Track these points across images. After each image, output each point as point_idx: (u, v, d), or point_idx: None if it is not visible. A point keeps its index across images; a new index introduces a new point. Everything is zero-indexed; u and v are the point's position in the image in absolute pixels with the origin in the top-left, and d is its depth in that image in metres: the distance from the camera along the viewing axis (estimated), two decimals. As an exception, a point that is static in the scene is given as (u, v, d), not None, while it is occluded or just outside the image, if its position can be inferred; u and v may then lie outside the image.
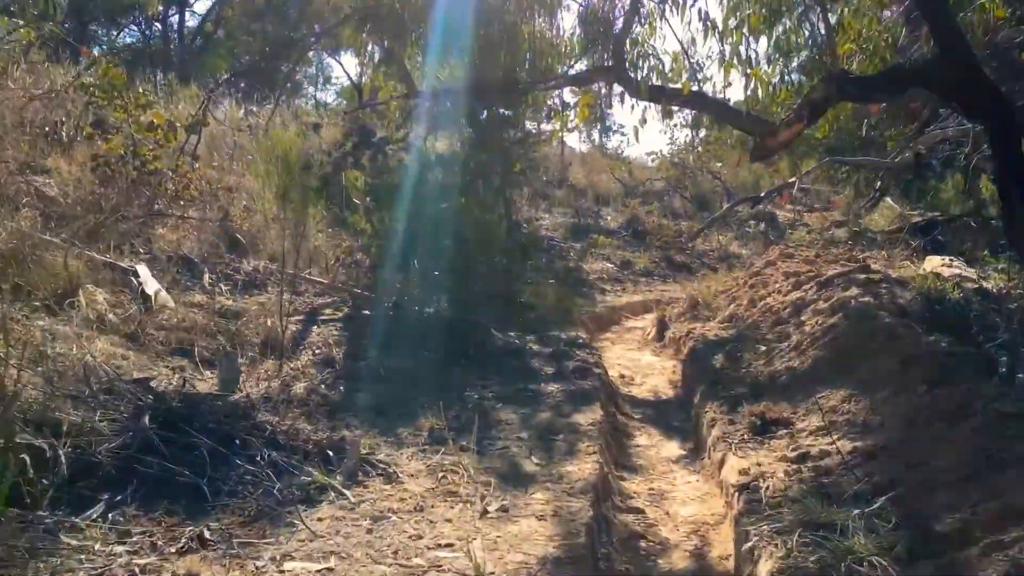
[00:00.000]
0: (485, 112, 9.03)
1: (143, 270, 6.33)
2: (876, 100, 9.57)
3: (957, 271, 7.57)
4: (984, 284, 7.10)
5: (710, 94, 9.10)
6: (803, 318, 6.42)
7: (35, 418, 3.37)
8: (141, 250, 7.42)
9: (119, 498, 3.20)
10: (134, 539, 2.99)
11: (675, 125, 22.76)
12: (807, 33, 9.24)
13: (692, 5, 7.90)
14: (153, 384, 4.25)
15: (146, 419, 3.57)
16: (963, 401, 3.63)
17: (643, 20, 9.00)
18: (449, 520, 3.40)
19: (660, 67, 9.00)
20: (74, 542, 2.87)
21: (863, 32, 9.14)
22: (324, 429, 4.38)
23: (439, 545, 3.15)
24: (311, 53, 26.04)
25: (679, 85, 8.68)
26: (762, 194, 15.16)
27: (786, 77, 9.77)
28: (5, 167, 7.54)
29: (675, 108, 10.59)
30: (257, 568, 2.90)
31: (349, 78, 24.44)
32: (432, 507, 3.55)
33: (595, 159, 21.78)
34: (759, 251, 13.13)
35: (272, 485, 3.48)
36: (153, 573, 2.78)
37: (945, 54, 6.79)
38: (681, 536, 3.97)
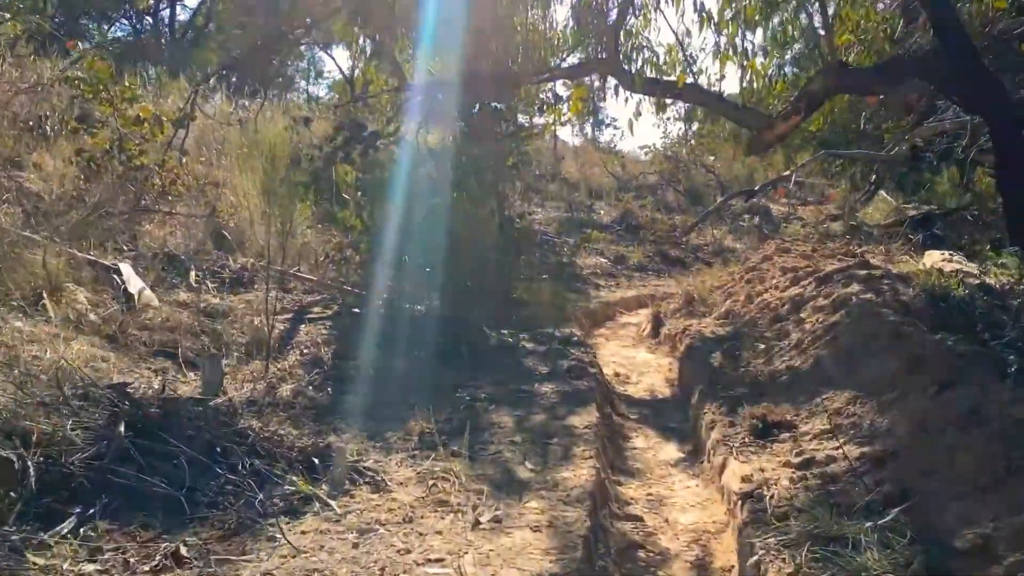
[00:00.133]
0: (477, 106, 8.86)
1: (126, 268, 6.15)
2: (874, 92, 9.47)
3: (958, 266, 7.43)
4: (986, 280, 6.96)
5: (705, 87, 8.99)
6: (803, 315, 6.27)
7: (3, 427, 3.21)
8: (125, 247, 7.26)
9: (91, 512, 3.03)
10: (105, 556, 2.82)
11: (668, 119, 22.72)
12: (804, 24, 9.13)
13: (688, -5, 7.74)
14: (132, 388, 4.08)
15: (122, 427, 3.41)
16: (976, 405, 3.48)
17: (637, 11, 8.87)
18: (439, 532, 3.24)
19: (655, 59, 8.89)
20: (41, 561, 2.71)
21: (861, 23, 9.02)
22: (310, 434, 4.22)
23: (428, 560, 2.98)
24: (303, 47, 25.86)
25: (674, 78, 8.56)
26: (756, 187, 15.06)
27: (783, 69, 9.66)
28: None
29: (669, 101, 10.47)
30: (235, 587, 2.75)
31: (341, 72, 24.30)
32: (422, 518, 3.38)
33: (588, 153, 21.69)
34: (754, 245, 13.03)
35: (254, 496, 3.32)
36: (125, 594, 2.63)
37: (944, 45, 6.67)
38: (682, 546, 3.81)
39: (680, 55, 8.81)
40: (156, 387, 4.26)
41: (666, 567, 3.61)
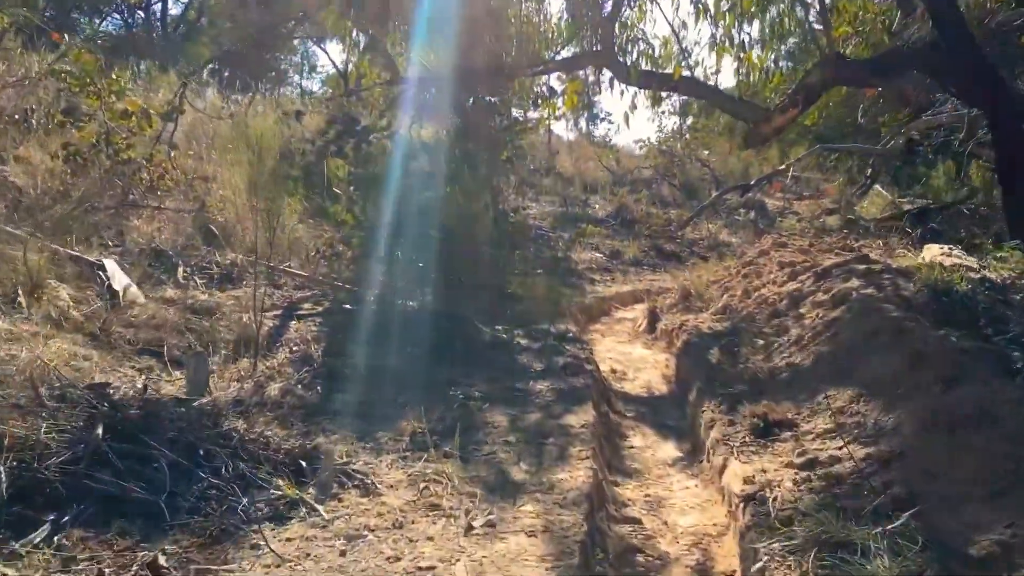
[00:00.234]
0: (471, 99, 8.74)
1: (111, 264, 6.00)
2: (872, 84, 9.36)
3: (957, 260, 7.33)
4: (987, 274, 6.86)
5: (701, 80, 8.88)
6: (802, 310, 6.17)
7: (-26, 431, 3.07)
8: (111, 243, 7.11)
9: (66, 519, 2.90)
10: (80, 567, 2.69)
11: (663, 112, 22.63)
12: (800, 16, 9.02)
13: (684, -13, 7.65)
14: (113, 388, 3.95)
15: (100, 429, 3.27)
16: (984, 404, 3.37)
17: (632, 3, 8.76)
18: (431, 538, 3.12)
19: (650, 52, 8.79)
20: (12, 572, 2.57)
21: (859, 15, 8.92)
22: (298, 435, 4.09)
23: (419, 568, 2.86)
24: (296, 41, 25.72)
25: (670, 70, 8.45)
26: (752, 182, 14.97)
27: (780, 62, 9.55)
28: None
29: (665, 94, 10.38)
30: (216, 599, 2.62)
31: (335, 66, 24.12)
32: (412, 523, 3.26)
33: (583, 147, 21.56)
34: (749, 240, 12.93)
35: (237, 501, 3.19)
36: (99, 606, 2.50)
37: (943, 37, 6.57)
38: (681, 549, 3.69)
39: (676, 47, 8.71)
40: (139, 387, 4.11)
41: (666, 573, 3.49)
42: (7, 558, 2.64)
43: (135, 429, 3.39)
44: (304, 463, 3.62)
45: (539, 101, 9.68)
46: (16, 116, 8.83)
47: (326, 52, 41.85)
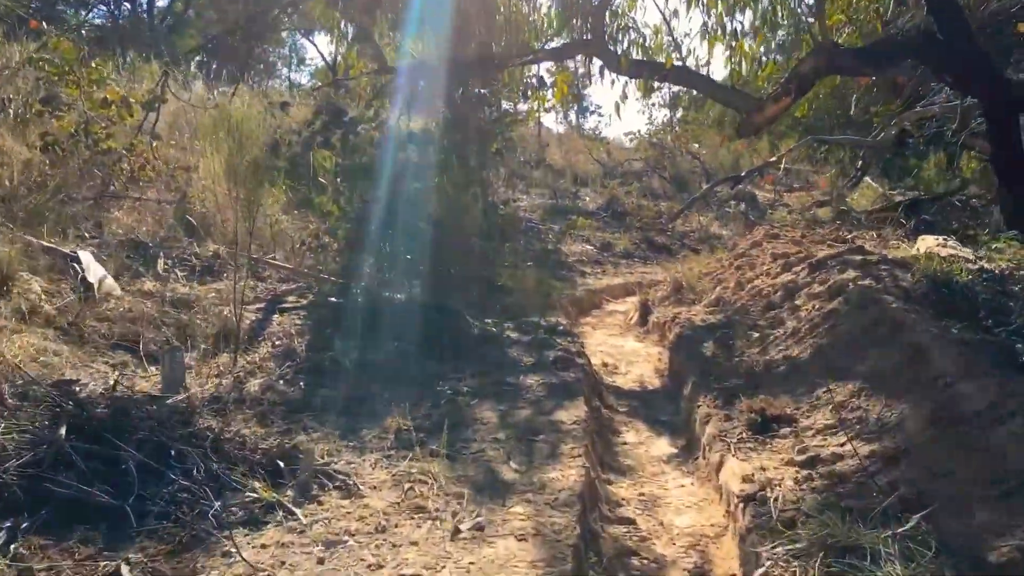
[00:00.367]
0: (461, 90, 8.58)
1: (85, 255, 5.80)
2: (866, 73, 9.21)
3: (952, 251, 7.21)
4: (984, 265, 6.74)
5: (693, 69, 8.73)
6: (797, 302, 6.03)
7: (-71, 431, 2.89)
8: (88, 234, 6.90)
9: (24, 525, 2.72)
10: (37, 577, 2.52)
11: (653, 104, 22.53)
12: (792, 5, 8.89)
13: (677, -28, 7.53)
14: (83, 385, 3.78)
15: (63, 429, 3.09)
16: (993, 400, 3.21)
17: (623, -10, 8.62)
18: (415, 543, 2.95)
19: (641, 41, 8.65)
20: (-38, 584, 2.40)
21: (852, 2, 8.78)
22: (277, 434, 3.91)
23: (402, 576, 2.70)
24: (284, 34, 25.51)
25: (661, 59, 8.31)
26: (743, 173, 14.86)
27: (772, 50, 9.41)
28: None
29: (656, 85, 10.25)
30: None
31: (323, 58, 23.94)
32: (396, 526, 3.09)
33: (573, 140, 21.42)
34: (740, 232, 12.80)
35: (210, 505, 3.00)
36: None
37: (938, 25, 6.43)
38: (678, 551, 3.53)
39: (667, 36, 8.56)
40: (109, 384, 3.93)
41: (662, 576, 3.34)
42: (-41, 568, 2.47)
43: (102, 429, 3.20)
44: (282, 463, 3.43)
45: (529, 92, 9.54)
46: (-7, 106, 8.60)
47: (314, 44, 41.55)
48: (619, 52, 8.42)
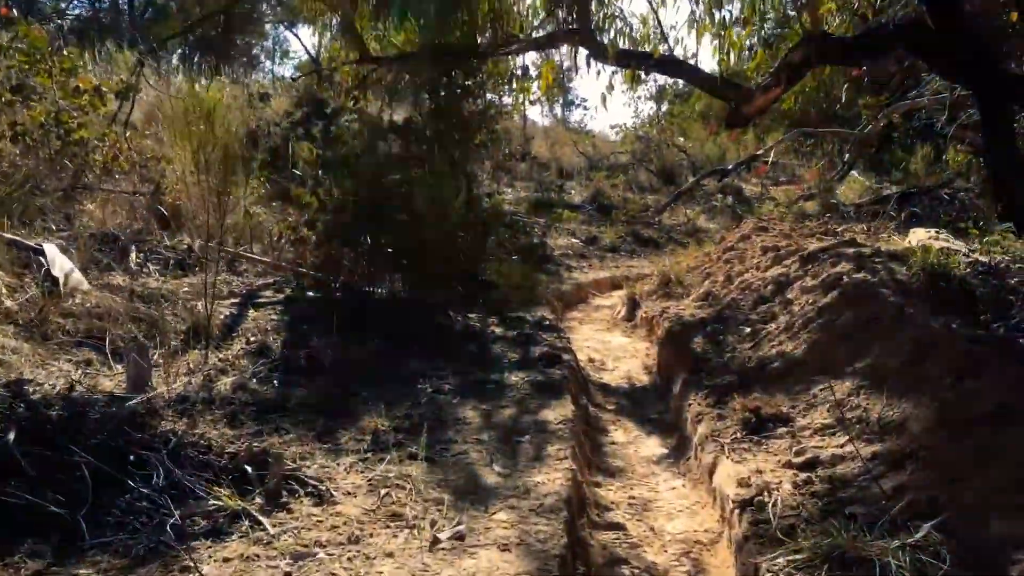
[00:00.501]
0: (444, 80, 8.38)
1: (51, 248, 5.56)
2: (857, 63, 9.07)
3: (945, 244, 7.07)
4: (979, 258, 6.59)
5: (681, 59, 8.57)
6: (789, 296, 5.86)
7: None
8: (56, 227, 6.67)
9: (-35, 540, 2.51)
10: (-25, 598, 2.31)
11: (639, 97, 22.41)
12: (782, -7, 8.74)
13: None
14: (38, 385, 3.55)
15: (12, 434, 2.86)
16: (1004, 400, 3.04)
17: (610, -22, 8.45)
18: (390, 555, 2.75)
19: (628, 30, 8.48)
20: None
21: (844, -11, 8.62)
22: (248, 436, 3.69)
23: (376, 592, 2.50)
24: (268, 26, 25.26)
25: (648, 49, 8.14)
26: (729, 166, 14.75)
27: (761, 40, 9.26)
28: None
29: (643, 76, 10.10)
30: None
31: (307, 51, 23.67)
32: (371, 536, 2.89)
33: (558, 133, 21.25)
34: (727, 225, 12.68)
35: (170, 515, 2.79)
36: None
37: (931, 13, 6.29)
38: (671, 559, 3.35)
39: (655, 25, 8.38)
40: (64, 385, 3.71)
41: (654, 587, 3.15)
42: None
43: (56, 432, 2.98)
44: (250, 468, 3.21)
45: (513, 79, 9.37)
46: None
47: (298, 37, 41.23)
48: (606, 41, 8.27)
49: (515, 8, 8.89)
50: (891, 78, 11.80)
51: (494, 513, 3.14)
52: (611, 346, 7.53)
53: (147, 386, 4.07)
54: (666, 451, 4.71)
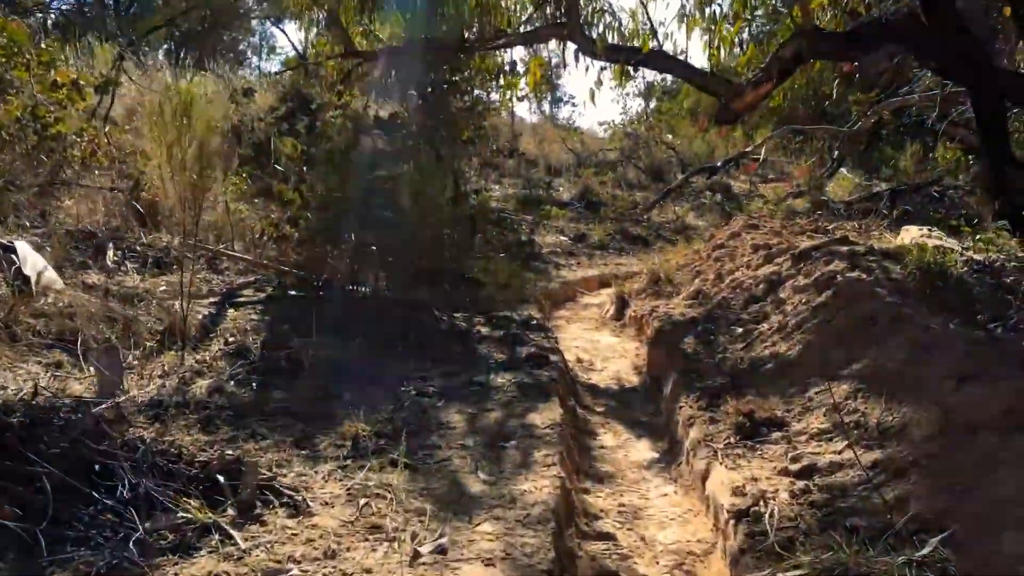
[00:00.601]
0: (431, 75, 8.24)
1: (22, 246, 5.38)
2: (849, 58, 8.97)
3: (938, 242, 6.96)
4: (973, 256, 6.50)
5: (670, 54, 8.46)
6: (782, 295, 5.74)
7: None
8: (30, 224, 6.49)
9: (-86, 558, 2.36)
10: (-79, 622, 2.16)
11: (627, 94, 22.33)
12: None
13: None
14: (4, 389, 3.38)
15: (-33, 443, 2.71)
16: (1012, 404, 2.92)
17: (597, -29, 8.35)
18: (369, 571, 2.60)
19: (617, 25, 8.37)
20: None
21: (836, -15, 8.52)
22: (222, 442, 3.54)
23: (352, 612, 2.36)
24: (254, 22, 25.01)
25: (638, 44, 8.03)
26: (718, 164, 14.65)
27: (752, 35, 9.14)
28: None
29: (632, 71, 9.97)
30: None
31: (294, 47, 23.45)
32: (348, 550, 2.74)
33: (546, 129, 21.11)
34: (716, 222, 12.59)
35: (135, 528, 2.64)
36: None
37: (924, 9, 6.19)
38: (663, 571, 3.21)
39: (644, 20, 8.26)
40: (42, 387, 3.54)
41: (646, 601, 3.02)
42: None
43: (16, 440, 2.82)
44: (222, 478, 3.06)
45: (501, 75, 9.24)
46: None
47: (284, 33, 40.92)
48: (594, 36, 8.15)
49: (503, 2, 8.76)
50: (882, 75, 11.72)
51: (478, 524, 3.00)
52: (600, 346, 7.40)
53: (118, 390, 3.91)
54: (657, 456, 4.58)
